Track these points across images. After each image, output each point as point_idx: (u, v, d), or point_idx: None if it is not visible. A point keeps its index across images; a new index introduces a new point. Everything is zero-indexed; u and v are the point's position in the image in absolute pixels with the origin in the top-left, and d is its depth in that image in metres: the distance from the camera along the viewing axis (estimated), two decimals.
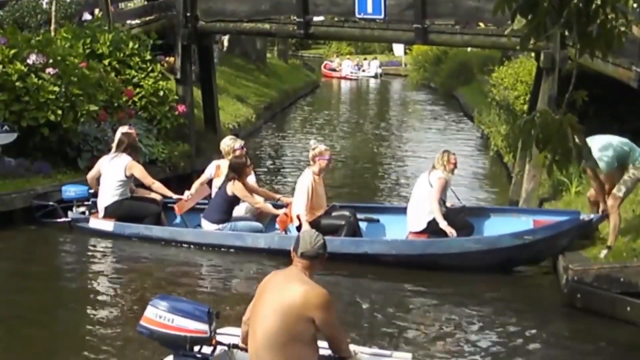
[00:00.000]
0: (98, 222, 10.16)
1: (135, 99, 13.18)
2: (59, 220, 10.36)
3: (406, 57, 46.65)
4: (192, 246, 9.77)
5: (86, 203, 10.45)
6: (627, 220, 8.86)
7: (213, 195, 10.21)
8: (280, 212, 9.77)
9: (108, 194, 10.11)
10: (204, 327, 4.63)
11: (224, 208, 9.77)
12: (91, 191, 10.39)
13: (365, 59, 48.03)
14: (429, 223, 9.30)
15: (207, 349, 4.72)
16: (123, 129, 10.54)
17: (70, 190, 10.43)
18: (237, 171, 9.66)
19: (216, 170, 10.27)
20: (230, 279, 9.05)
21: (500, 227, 9.47)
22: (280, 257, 9.18)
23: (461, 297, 8.33)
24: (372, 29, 13.00)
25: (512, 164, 14.10)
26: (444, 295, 8.43)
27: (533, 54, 13.47)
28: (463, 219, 9.58)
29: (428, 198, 9.32)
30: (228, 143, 10.33)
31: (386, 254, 9.18)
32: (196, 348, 4.69)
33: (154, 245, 9.85)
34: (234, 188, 9.60)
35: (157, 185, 10.27)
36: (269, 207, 9.97)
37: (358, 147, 19.37)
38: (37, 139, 11.41)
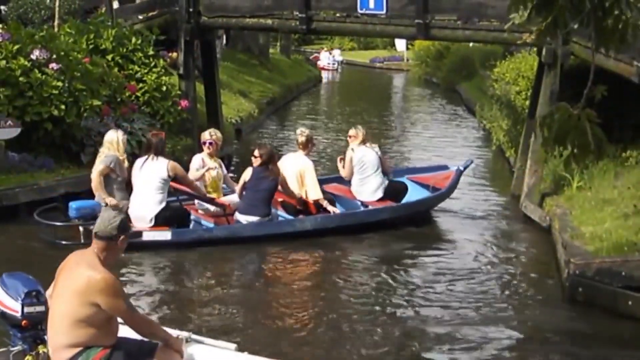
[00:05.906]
0: (152, 234, 9.11)
1: (138, 94, 13.23)
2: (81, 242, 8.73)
3: (408, 52, 46.63)
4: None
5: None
6: (628, 214, 8.89)
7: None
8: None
9: (153, 201, 9.28)
10: (16, 305, 4.68)
11: (268, 200, 9.79)
12: (102, 203, 9.16)
13: (332, 49, 50.42)
14: (385, 190, 10.76)
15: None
16: (114, 132, 9.70)
17: (85, 208, 9.13)
18: (272, 161, 9.78)
19: (202, 163, 10.11)
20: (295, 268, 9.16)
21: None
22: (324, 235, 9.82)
23: (461, 290, 8.37)
24: (374, 24, 13.04)
25: (513, 159, 14.14)
26: (442, 284, 8.48)
27: (535, 49, 13.48)
28: (400, 185, 11.14)
29: (379, 171, 10.67)
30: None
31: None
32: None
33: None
34: (282, 178, 9.86)
35: (196, 185, 9.68)
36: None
37: None
38: (41, 134, 11.45)
